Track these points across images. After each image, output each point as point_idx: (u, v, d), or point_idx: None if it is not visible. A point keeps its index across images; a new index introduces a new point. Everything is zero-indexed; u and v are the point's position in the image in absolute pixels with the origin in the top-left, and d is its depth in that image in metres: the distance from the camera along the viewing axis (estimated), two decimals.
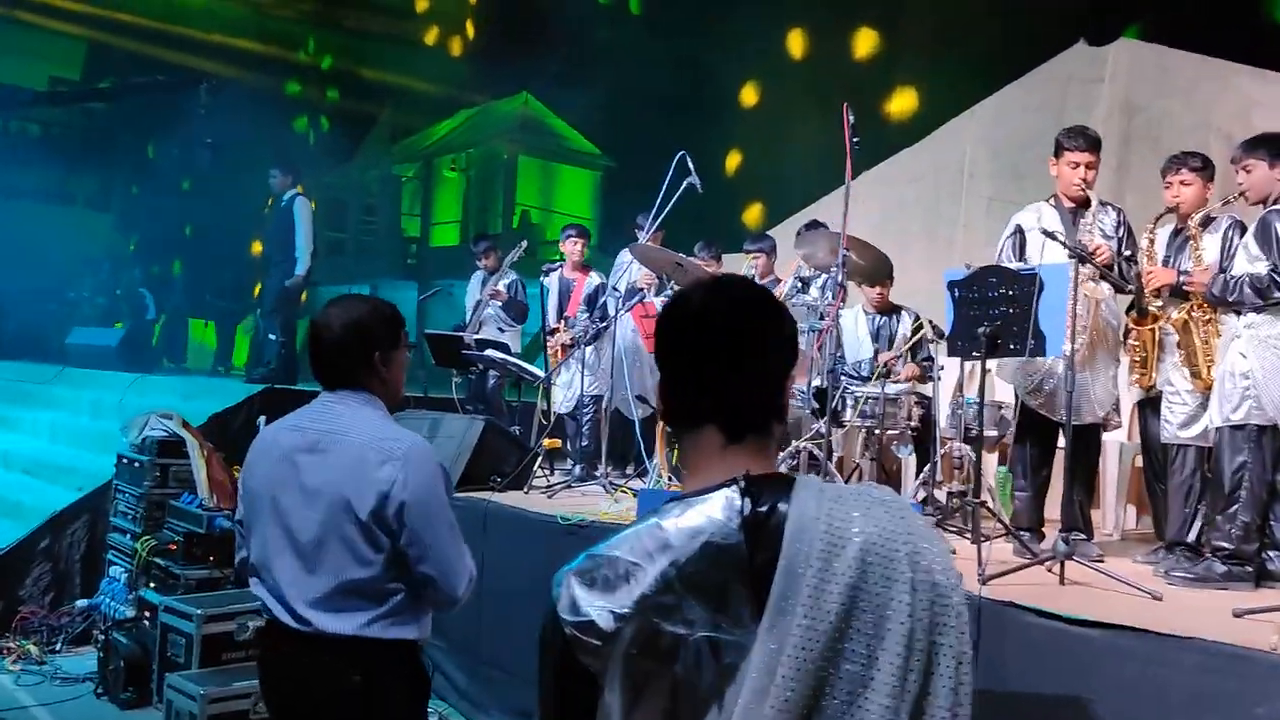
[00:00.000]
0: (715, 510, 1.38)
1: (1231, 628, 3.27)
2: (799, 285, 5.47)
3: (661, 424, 5.50)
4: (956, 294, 4.46)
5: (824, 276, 5.67)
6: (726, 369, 1.46)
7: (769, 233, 7.79)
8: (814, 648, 1.30)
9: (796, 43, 14.45)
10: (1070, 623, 3.27)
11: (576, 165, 20.46)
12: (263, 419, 7.35)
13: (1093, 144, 4.79)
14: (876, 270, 5.31)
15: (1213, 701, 2.94)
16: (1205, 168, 4.65)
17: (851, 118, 4.97)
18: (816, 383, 5.30)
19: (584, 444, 7.18)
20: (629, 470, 7.24)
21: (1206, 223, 4.66)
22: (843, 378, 5.67)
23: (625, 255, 7.70)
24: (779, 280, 6.47)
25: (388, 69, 20.94)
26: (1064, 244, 4.49)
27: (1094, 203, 4.71)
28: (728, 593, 1.34)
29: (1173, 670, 3.03)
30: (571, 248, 7.69)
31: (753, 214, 10.86)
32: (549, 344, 7.78)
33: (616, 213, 16.86)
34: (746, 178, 13.67)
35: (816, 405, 5.29)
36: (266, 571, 2.67)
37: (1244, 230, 4.52)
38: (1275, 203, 4.24)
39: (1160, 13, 6.91)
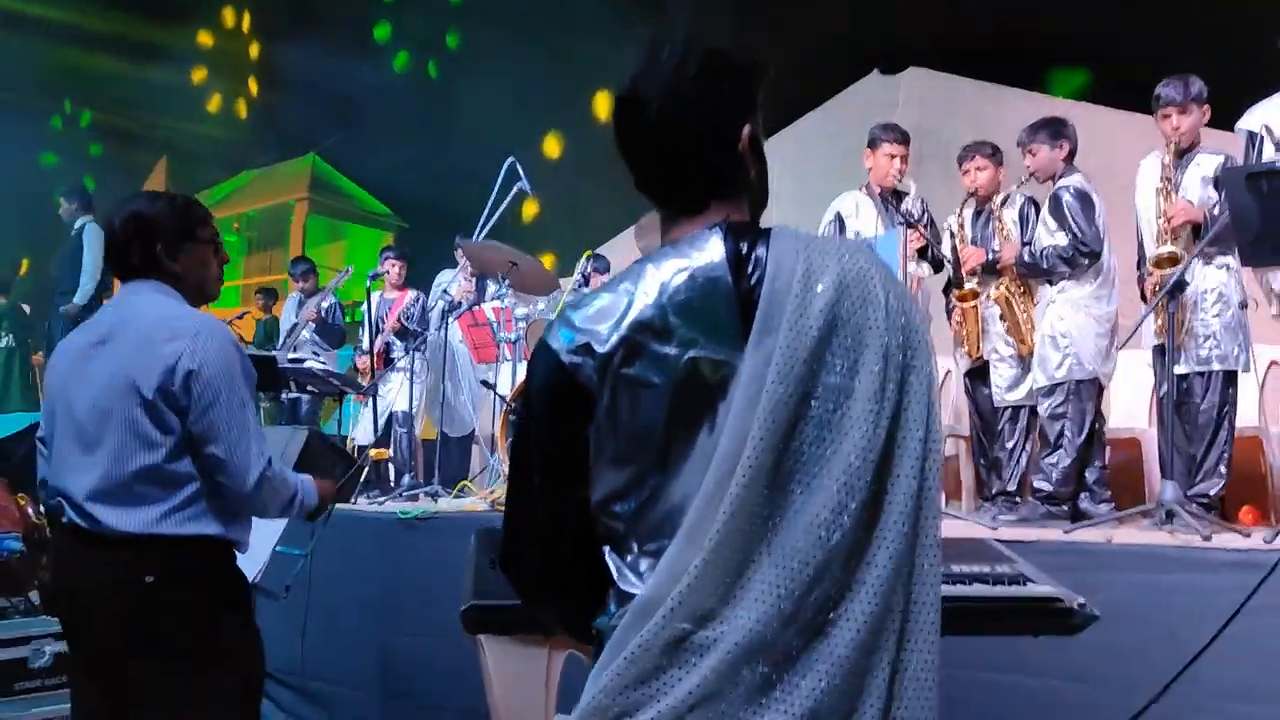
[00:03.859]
0: (699, 251, 1.47)
1: None
2: (582, 281, 5.64)
3: (503, 414, 5.41)
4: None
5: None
6: (666, 143, 1.51)
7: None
8: (798, 359, 1.38)
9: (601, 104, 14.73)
10: None
11: (368, 225, 20.06)
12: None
13: (905, 138, 5.28)
14: None
15: None
16: (995, 154, 5.16)
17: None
18: None
19: (406, 459, 7.00)
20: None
21: (1003, 202, 5.09)
22: None
23: (444, 275, 7.64)
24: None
25: (161, 125, 19.92)
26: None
27: (913, 189, 5.17)
28: (715, 317, 1.43)
29: None
30: (390, 268, 7.56)
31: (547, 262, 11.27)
32: (359, 363, 7.52)
33: (410, 274, 16.45)
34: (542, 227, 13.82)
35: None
36: (59, 475, 2.51)
37: (1037, 205, 5.01)
38: (1060, 178, 4.78)
39: (943, 44, 7.62)
